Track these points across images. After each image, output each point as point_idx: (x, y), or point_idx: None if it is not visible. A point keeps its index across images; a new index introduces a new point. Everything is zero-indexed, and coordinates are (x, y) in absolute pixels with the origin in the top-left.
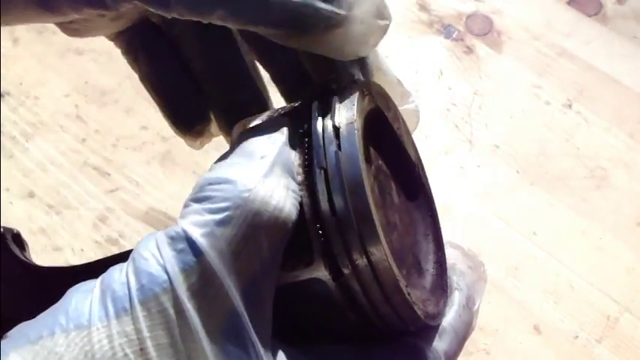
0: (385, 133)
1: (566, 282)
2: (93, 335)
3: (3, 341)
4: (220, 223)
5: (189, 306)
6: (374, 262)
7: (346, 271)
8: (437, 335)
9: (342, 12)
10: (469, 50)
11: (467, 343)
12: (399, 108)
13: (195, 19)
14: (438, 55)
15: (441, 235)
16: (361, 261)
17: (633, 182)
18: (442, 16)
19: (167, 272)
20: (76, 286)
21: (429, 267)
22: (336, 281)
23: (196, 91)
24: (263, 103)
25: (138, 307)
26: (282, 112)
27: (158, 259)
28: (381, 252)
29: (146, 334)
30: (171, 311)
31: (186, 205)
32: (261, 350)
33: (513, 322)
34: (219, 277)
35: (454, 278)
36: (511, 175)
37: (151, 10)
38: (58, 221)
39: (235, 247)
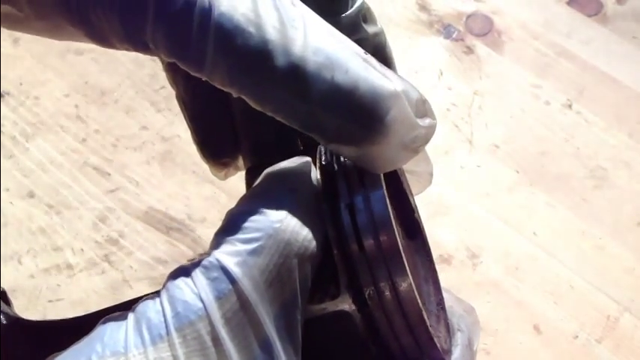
0: (391, 177)
1: (566, 282)
2: None
3: None
4: (253, 252)
5: (223, 333)
6: (400, 292)
7: (371, 302)
8: None
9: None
10: (469, 50)
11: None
12: (417, 169)
13: (227, 90)
14: (438, 55)
15: (438, 279)
16: (387, 292)
17: (633, 182)
18: (442, 16)
19: (202, 300)
20: (108, 317)
21: (432, 308)
22: (361, 312)
23: (230, 124)
24: (292, 145)
25: (174, 334)
26: (304, 149)
27: (192, 287)
28: (408, 283)
29: None
30: (207, 338)
31: (216, 236)
32: None
33: (513, 322)
34: (252, 304)
35: (454, 320)
36: (511, 175)
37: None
38: (58, 221)
39: (267, 275)
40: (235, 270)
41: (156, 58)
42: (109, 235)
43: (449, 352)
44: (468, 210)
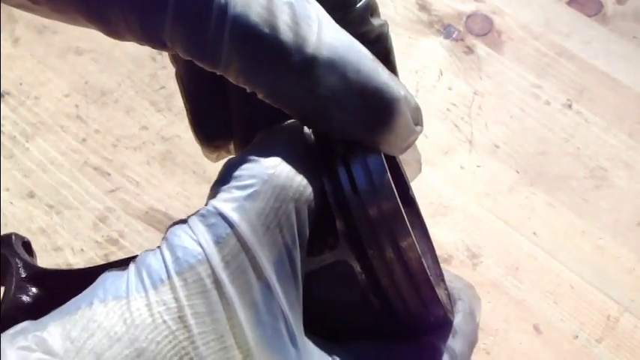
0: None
1: (566, 282)
2: (132, 304)
3: (44, 317)
4: (249, 197)
5: (224, 276)
6: (399, 240)
7: (371, 251)
8: (450, 335)
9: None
10: (469, 50)
11: None
12: (406, 157)
13: (242, 85)
14: (438, 55)
15: (436, 254)
16: (386, 240)
17: (633, 182)
18: (442, 16)
19: (201, 245)
20: (109, 269)
21: (433, 279)
22: (361, 262)
23: (225, 107)
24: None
25: (175, 278)
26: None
27: (191, 234)
28: (406, 230)
29: (184, 302)
30: (208, 281)
31: (212, 188)
32: (293, 324)
33: (513, 322)
34: (251, 248)
35: (455, 292)
36: (511, 175)
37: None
38: (58, 221)
39: (265, 219)
40: (232, 215)
41: (156, 58)
42: (109, 235)
43: (452, 311)
44: (468, 210)
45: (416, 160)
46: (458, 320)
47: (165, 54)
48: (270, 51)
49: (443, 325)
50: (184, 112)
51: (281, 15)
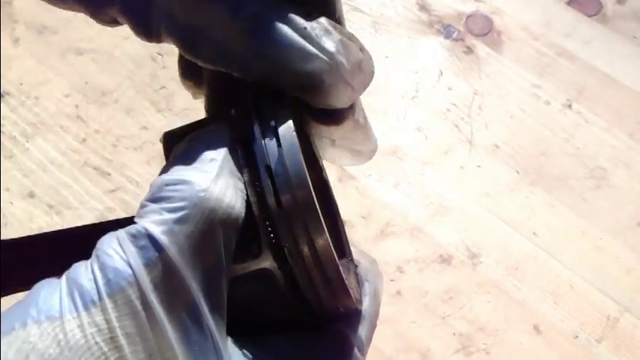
0: (303, 139)
1: (566, 282)
2: (65, 325)
3: None
4: (178, 221)
5: (153, 298)
6: (318, 247)
7: (291, 259)
8: (359, 323)
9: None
10: (469, 50)
11: (467, 343)
12: (362, 149)
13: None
14: (438, 55)
15: (346, 233)
16: (306, 247)
17: (633, 182)
18: (442, 16)
19: (131, 267)
20: (41, 282)
21: (343, 261)
22: (281, 269)
23: None
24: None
25: (106, 300)
26: (218, 118)
27: (122, 255)
28: (324, 238)
29: (115, 323)
30: (137, 303)
31: (143, 206)
32: (218, 338)
33: (513, 322)
34: (179, 270)
35: (362, 273)
36: (511, 175)
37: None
38: (58, 221)
39: (192, 242)
40: (162, 238)
41: (156, 58)
42: None
43: (360, 301)
44: (468, 210)
45: (371, 150)
46: (365, 305)
47: (166, 54)
48: (202, 24)
49: (352, 315)
50: (184, 112)
51: None
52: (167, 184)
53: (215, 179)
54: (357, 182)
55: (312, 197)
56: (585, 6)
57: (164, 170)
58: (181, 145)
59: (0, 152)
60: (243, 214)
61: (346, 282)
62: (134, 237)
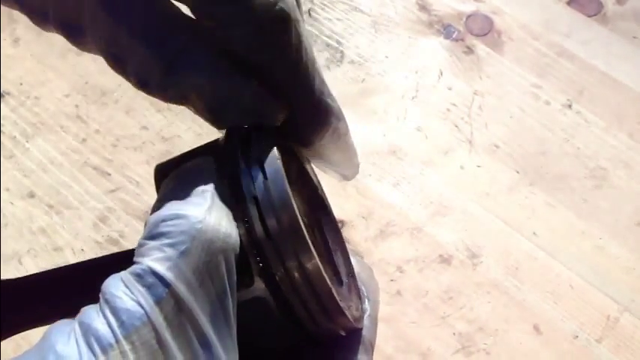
0: (292, 158)
1: (566, 282)
2: None
3: None
4: (181, 255)
5: (167, 335)
6: (308, 273)
7: (283, 286)
8: (360, 345)
9: None
10: (469, 50)
11: (467, 343)
12: (345, 172)
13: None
14: (438, 55)
15: (347, 248)
16: (297, 274)
17: (633, 182)
18: (442, 16)
19: (142, 306)
20: (52, 327)
21: (344, 278)
22: (274, 296)
23: None
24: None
25: (123, 342)
26: (204, 150)
27: (131, 295)
28: (314, 264)
29: None
30: (153, 342)
31: (142, 245)
32: None
33: (513, 322)
34: (188, 304)
35: (362, 288)
36: (511, 175)
37: None
38: (58, 221)
39: (198, 275)
40: (168, 274)
41: None
42: (110, 235)
43: (361, 318)
44: (468, 210)
45: (355, 166)
46: (366, 328)
47: None
48: None
49: (353, 334)
50: (185, 112)
51: None
52: (163, 220)
53: (209, 210)
54: (357, 182)
55: (299, 224)
56: (585, 6)
57: (156, 207)
58: (169, 181)
59: (0, 152)
60: (239, 242)
61: (342, 303)
62: (139, 277)
